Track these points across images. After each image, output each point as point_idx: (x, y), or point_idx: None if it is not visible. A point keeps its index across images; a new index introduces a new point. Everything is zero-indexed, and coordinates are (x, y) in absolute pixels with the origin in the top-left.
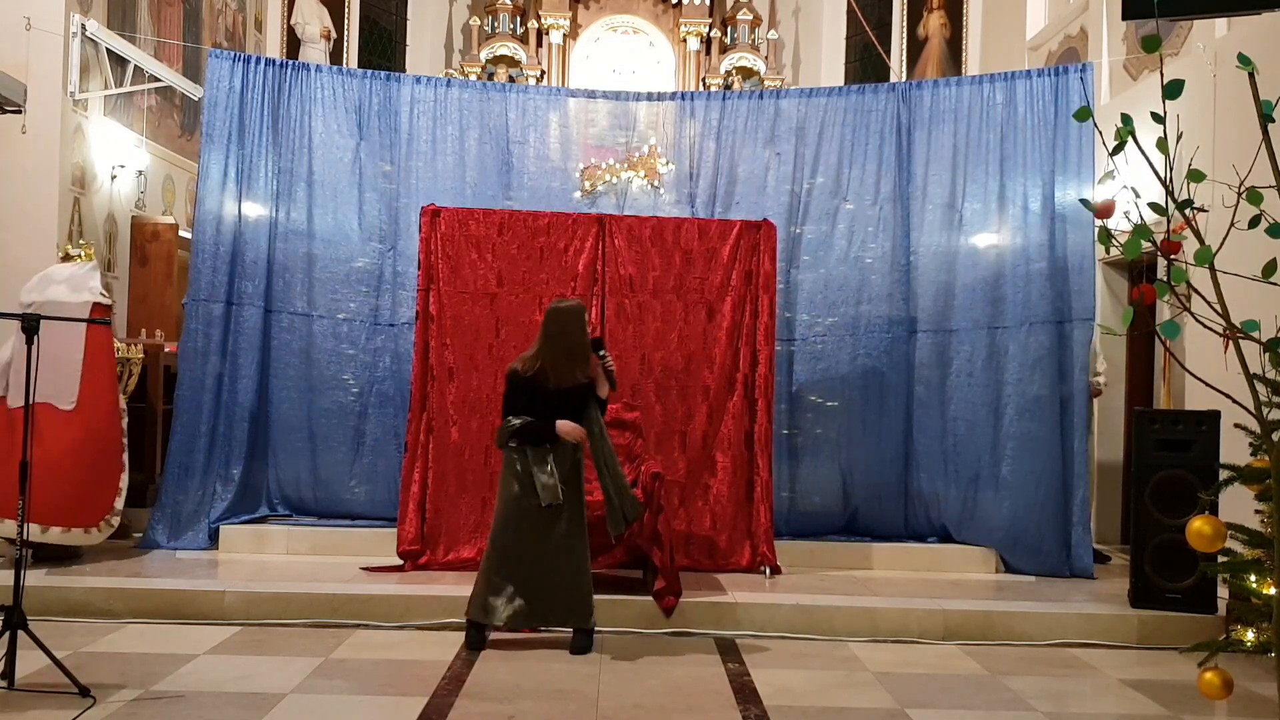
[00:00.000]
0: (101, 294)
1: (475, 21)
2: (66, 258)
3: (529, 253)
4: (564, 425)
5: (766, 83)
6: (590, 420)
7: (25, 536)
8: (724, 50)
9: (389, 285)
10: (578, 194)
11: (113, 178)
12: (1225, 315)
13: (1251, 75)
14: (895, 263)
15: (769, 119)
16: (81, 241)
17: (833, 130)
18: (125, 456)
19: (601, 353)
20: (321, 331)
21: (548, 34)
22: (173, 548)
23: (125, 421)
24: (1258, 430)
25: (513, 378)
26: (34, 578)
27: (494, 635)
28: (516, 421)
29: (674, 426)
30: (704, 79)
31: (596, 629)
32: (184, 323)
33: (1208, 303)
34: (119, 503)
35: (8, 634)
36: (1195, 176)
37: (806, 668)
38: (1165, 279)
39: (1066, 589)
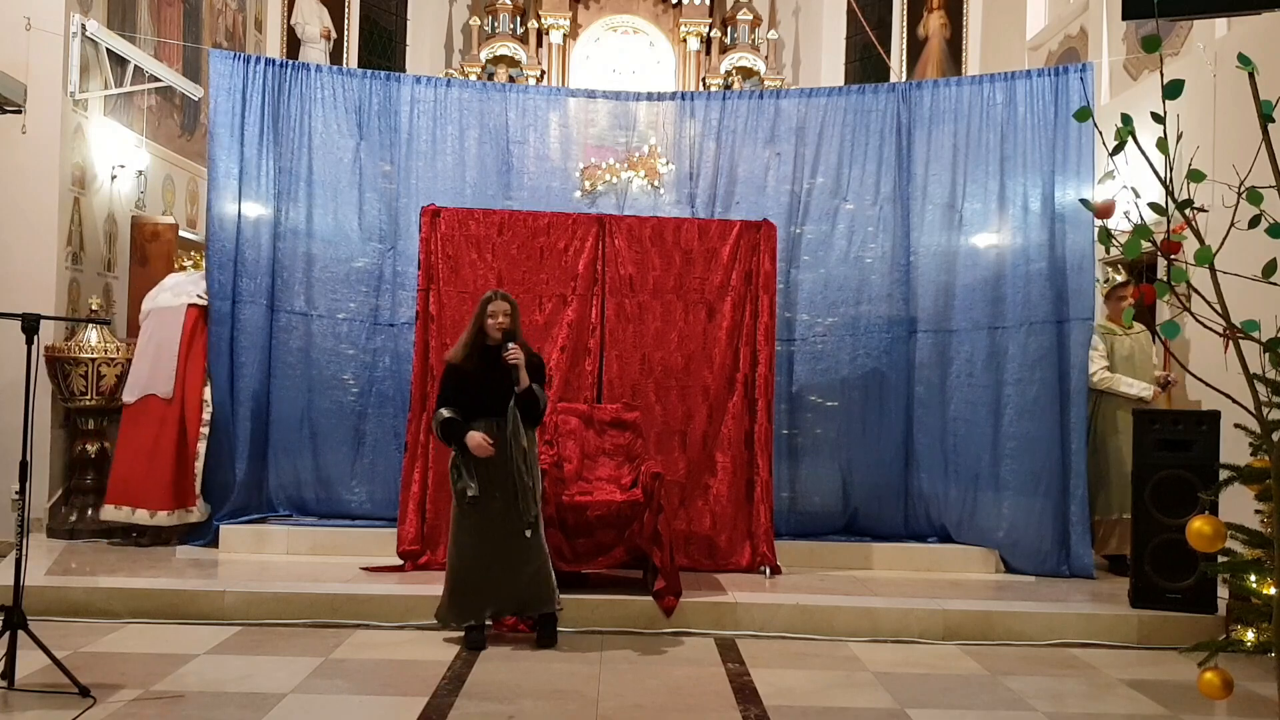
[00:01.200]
0: (199, 297)
1: (475, 21)
2: (181, 268)
3: (529, 253)
4: (472, 439)
5: (766, 83)
6: (509, 414)
7: (26, 534)
8: (724, 50)
9: (389, 285)
10: (578, 194)
11: (113, 178)
12: (1225, 315)
13: (1251, 75)
14: (895, 263)
15: (769, 119)
16: (193, 254)
17: (833, 130)
18: (201, 445)
19: (507, 345)
20: (321, 331)
21: (548, 34)
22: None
23: (209, 412)
24: (1258, 430)
25: (445, 366)
26: (34, 577)
27: (494, 634)
28: (446, 413)
29: (674, 426)
30: (704, 79)
31: (595, 630)
32: (210, 325)
33: (1208, 303)
34: (197, 484)
35: (8, 634)
36: (1195, 176)
37: (806, 668)
38: (1165, 279)
39: (1066, 589)
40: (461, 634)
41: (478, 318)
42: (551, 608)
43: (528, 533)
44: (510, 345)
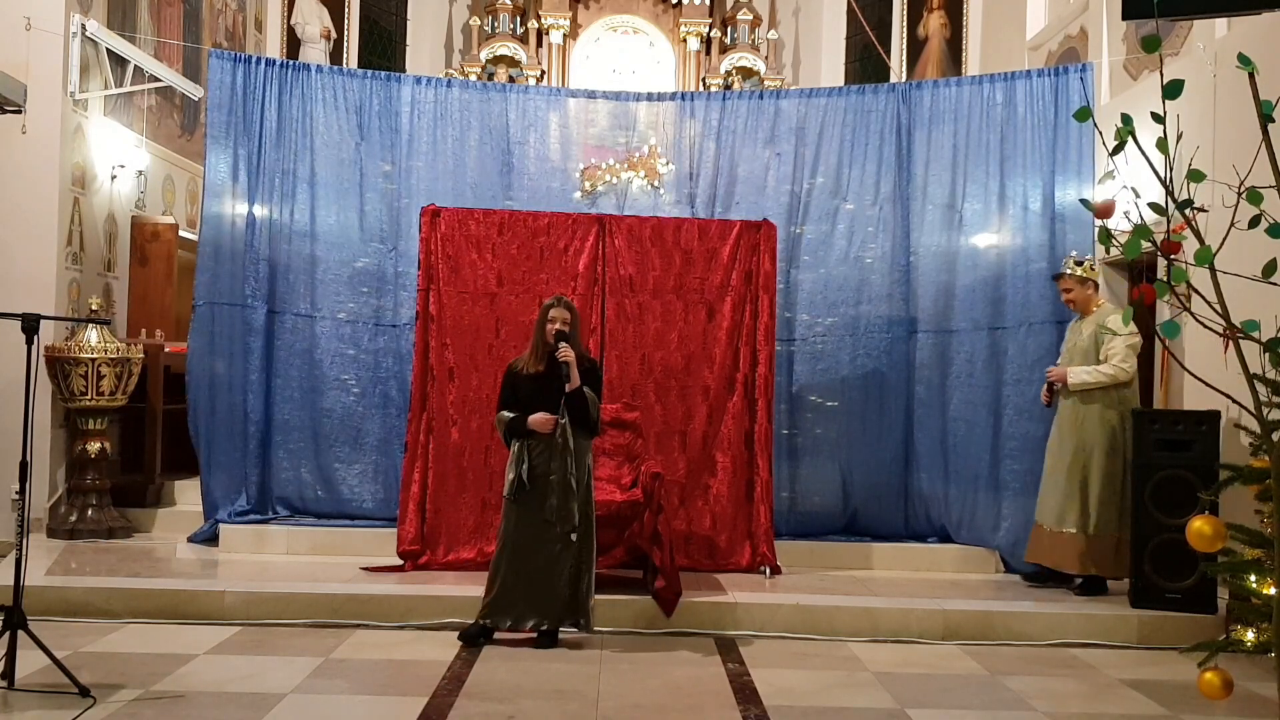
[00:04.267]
0: None
1: (475, 21)
2: None
3: (529, 253)
4: (535, 417)
5: (766, 83)
6: (559, 414)
7: (26, 534)
8: (724, 50)
9: (391, 286)
10: (578, 194)
11: (113, 178)
12: (1225, 315)
13: (1251, 75)
14: (895, 263)
15: (769, 119)
16: None
17: (833, 130)
18: None
19: (558, 345)
20: (323, 332)
21: (548, 34)
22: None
23: None
24: (1258, 430)
25: (505, 371)
26: (34, 577)
27: (495, 634)
28: (507, 414)
29: (674, 426)
30: (704, 79)
31: (595, 629)
32: (192, 324)
33: (1208, 303)
34: None
35: (8, 634)
36: (1195, 176)
37: (806, 668)
38: (1165, 279)
39: (1067, 589)
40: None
41: (539, 323)
42: (575, 618)
43: (573, 536)
44: (561, 345)
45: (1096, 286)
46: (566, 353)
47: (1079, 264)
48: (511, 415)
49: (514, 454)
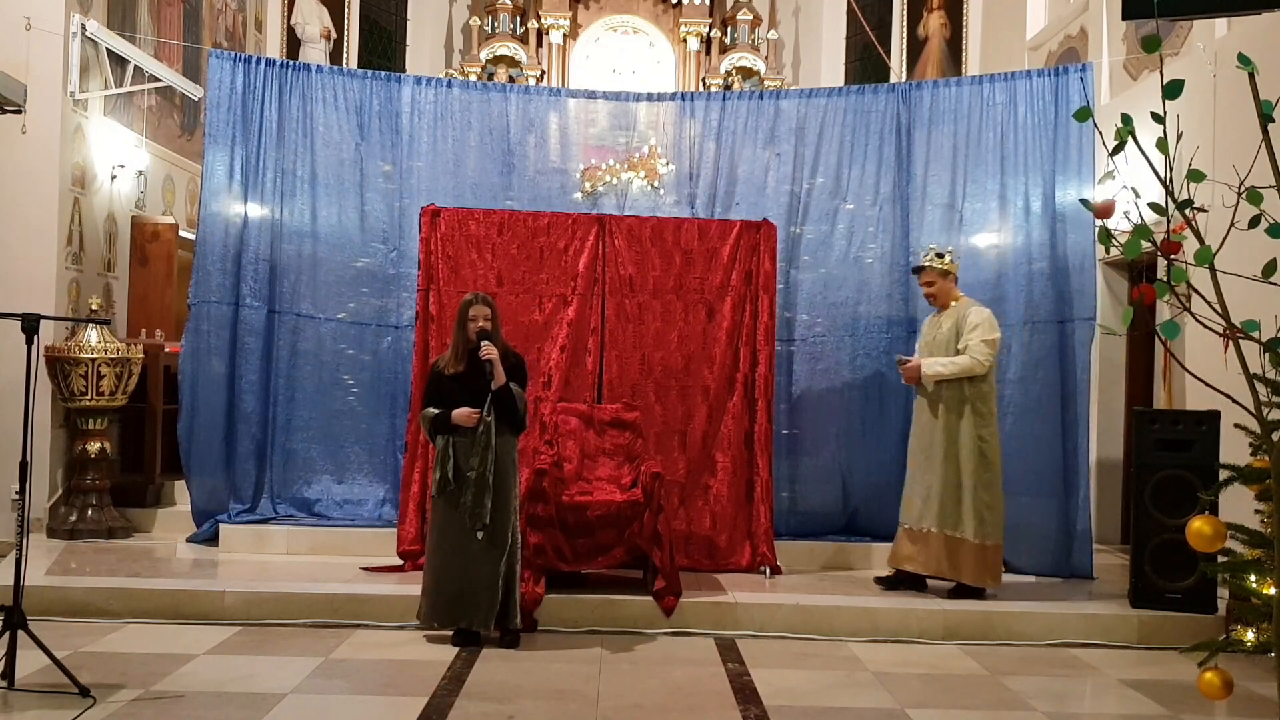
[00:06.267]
0: None
1: (475, 21)
2: None
3: (529, 253)
4: (458, 413)
5: (766, 83)
6: (484, 411)
7: (26, 534)
8: (724, 50)
9: (392, 286)
10: (578, 194)
11: (113, 178)
12: (1225, 315)
13: (1251, 75)
14: (895, 263)
15: (769, 119)
16: None
17: (833, 130)
18: None
19: (480, 344)
20: (324, 332)
21: (548, 34)
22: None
23: None
24: (1258, 430)
25: (430, 371)
26: (34, 577)
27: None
28: (432, 411)
29: (674, 426)
30: (704, 79)
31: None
32: (187, 323)
33: (1208, 303)
34: None
35: (8, 634)
36: (1195, 176)
37: (806, 668)
38: (1165, 279)
39: (1066, 589)
40: (449, 633)
41: (459, 321)
42: (506, 624)
43: (479, 535)
44: (483, 343)
45: (956, 280)
46: (489, 351)
47: (940, 256)
48: (436, 412)
49: (439, 451)
